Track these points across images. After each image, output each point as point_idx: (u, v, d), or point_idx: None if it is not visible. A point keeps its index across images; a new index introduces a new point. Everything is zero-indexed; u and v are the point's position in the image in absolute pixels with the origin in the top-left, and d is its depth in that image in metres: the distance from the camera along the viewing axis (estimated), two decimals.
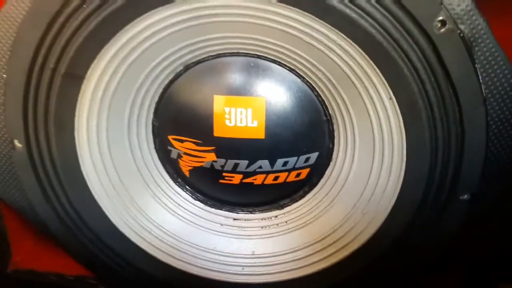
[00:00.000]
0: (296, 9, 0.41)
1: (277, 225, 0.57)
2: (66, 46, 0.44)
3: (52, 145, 0.49)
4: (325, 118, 0.51)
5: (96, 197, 0.52)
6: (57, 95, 0.46)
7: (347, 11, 0.40)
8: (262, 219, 0.57)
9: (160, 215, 0.56)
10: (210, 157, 0.51)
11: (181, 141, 0.52)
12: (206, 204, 0.58)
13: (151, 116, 0.53)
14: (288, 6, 0.41)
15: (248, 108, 0.49)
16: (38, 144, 0.49)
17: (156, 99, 0.52)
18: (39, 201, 0.52)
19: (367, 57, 0.42)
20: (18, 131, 0.49)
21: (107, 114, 0.49)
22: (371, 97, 0.45)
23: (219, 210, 0.58)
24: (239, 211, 0.58)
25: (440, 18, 0.39)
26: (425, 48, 0.40)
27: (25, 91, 0.47)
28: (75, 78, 0.46)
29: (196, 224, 0.57)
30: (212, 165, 0.52)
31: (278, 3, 0.41)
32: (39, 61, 0.45)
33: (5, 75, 0.47)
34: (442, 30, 0.39)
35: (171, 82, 0.51)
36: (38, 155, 0.50)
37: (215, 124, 0.49)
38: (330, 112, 0.50)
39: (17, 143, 0.49)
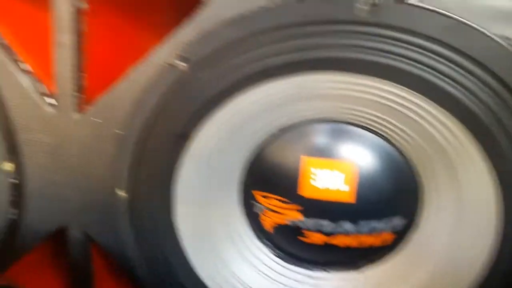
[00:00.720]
0: (394, 84, 0.44)
1: (354, 286, 0.57)
2: (178, 109, 0.49)
3: (152, 198, 0.53)
4: (413, 185, 0.52)
5: (186, 251, 0.55)
6: (164, 152, 0.51)
7: (446, 87, 0.42)
8: (339, 280, 0.57)
9: (242, 270, 0.58)
10: (295, 215, 0.53)
11: (267, 197, 0.54)
12: (284, 260, 0.58)
13: (242, 173, 0.55)
14: (385, 80, 0.44)
15: (339, 171, 0.50)
16: (139, 196, 0.53)
17: (249, 157, 0.54)
18: (132, 247, 0.55)
19: (465, 130, 0.44)
20: (123, 181, 0.53)
21: (205, 172, 0.53)
22: (465, 168, 0.47)
23: (296, 267, 0.58)
24: (316, 269, 0.58)
25: None
26: None
27: (135, 147, 0.51)
28: (181, 137, 0.50)
29: (273, 279, 0.58)
30: (296, 224, 0.53)
31: (373, 77, 0.44)
32: (153, 121, 0.50)
33: (120, 132, 0.51)
34: None
35: (265, 142, 0.53)
36: (137, 205, 0.53)
37: (302, 183, 0.51)
38: (418, 179, 0.51)
39: (120, 192, 0.53)
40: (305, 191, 0.51)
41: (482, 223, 0.48)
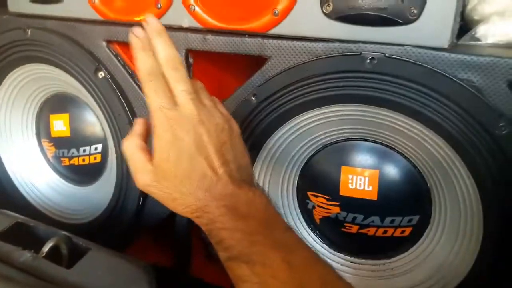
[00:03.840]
0: (400, 114, 0.59)
1: (384, 270, 0.70)
2: (253, 129, 0.68)
3: None
4: (424, 190, 0.65)
5: None
6: None
7: (438, 120, 0.56)
8: (373, 265, 0.72)
9: None
10: (336, 209, 0.69)
11: (316, 196, 0.71)
12: (330, 247, 0.74)
13: (297, 177, 0.73)
14: (396, 112, 0.59)
15: (366, 177, 0.66)
16: None
17: (301, 166, 0.72)
18: None
19: (452, 148, 0.57)
20: None
21: (270, 173, 0.72)
22: (455, 175, 0.59)
23: (339, 253, 0.74)
24: (355, 256, 0.73)
25: (502, 124, 0.52)
26: (491, 144, 0.54)
27: None
28: (255, 149, 0.69)
29: None
30: (336, 216, 0.69)
31: (391, 110, 0.59)
32: None
33: None
34: (504, 132, 0.52)
35: (313, 155, 0.71)
36: None
37: (341, 186, 0.67)
38: (428, 184, 0.64)
39: None
40: (344, 192, 0.67)
41: (475, 224, 0.60)
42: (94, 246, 0.55)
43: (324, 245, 0.75)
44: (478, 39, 0.61)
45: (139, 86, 0.77)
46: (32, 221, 0.60)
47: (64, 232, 0.57)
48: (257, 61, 0.67)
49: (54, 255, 0.54)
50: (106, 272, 0.51)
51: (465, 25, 0.62)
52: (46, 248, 0.54)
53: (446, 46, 0.55)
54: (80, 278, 0.49)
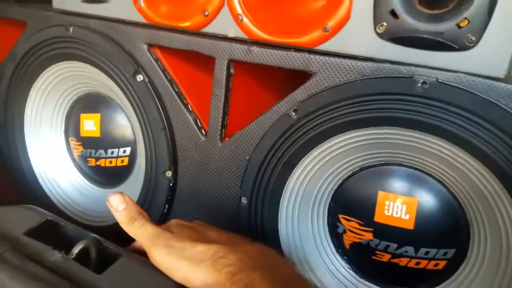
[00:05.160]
0: (447, 141, 0.57)
1: None
2: (290, 145, 0.67)
3: (265, 207, 0.71)
4: (463, 223, 0.62)
5: (284, 251, 0.73)
6: (277, 175, 0.69)
7: (488, 151, 0.54)
8: None
9: (323, 277, 0.73)
10: (368, 236, 0.67)
11: (348, 220, 0.69)
12: (357, 273, 0.72)
13: (329, 198, 0.71)
14: (443, 140, 0.57)
15: (403, 204, 0.64)
16: (256, 204, 0.72)
17: (335, 187, 0.70)
18: None
19: (500, 183, 0.55)
20: (247, 192, 0.72)
21: (302, 192, 0.70)
22: (500, 212, 0.57)
23: (367, 282, 0.71)
24: (383, 286, 0.70)
25: None
26: None
27: (259, 169, 0.70)
28: (291, 165, 0.68)
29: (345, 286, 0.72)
30: (368, 243, 0.67)
31: (438, 137, 0.57)
32: (272, 152, 0.69)
33: (248, 157, 0.72)
34: None
35: (349, 176, 0.68)
36: (254, 211, 0.72)
37: (377, 211, 0.65)
38: (468, 218, 0.62)
39: (243, 200, 0.73)
40: (379, 218, 0.65)
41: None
42: (125, 252, 0.54)
43: (351, 272, 0.73)
44: None
45: (177, 93, 0.77)
46: (62, 221, 0.58)
47: (94, 235, 0.56)
48: (296, 76, 0.66)
49: (82, 258, 0.52)
50: (137, 282, 0.49)
51: None
52: (76, 250, 0.52)
53: (502, 76, 0.53)
54: (111, 285, 0.47)
